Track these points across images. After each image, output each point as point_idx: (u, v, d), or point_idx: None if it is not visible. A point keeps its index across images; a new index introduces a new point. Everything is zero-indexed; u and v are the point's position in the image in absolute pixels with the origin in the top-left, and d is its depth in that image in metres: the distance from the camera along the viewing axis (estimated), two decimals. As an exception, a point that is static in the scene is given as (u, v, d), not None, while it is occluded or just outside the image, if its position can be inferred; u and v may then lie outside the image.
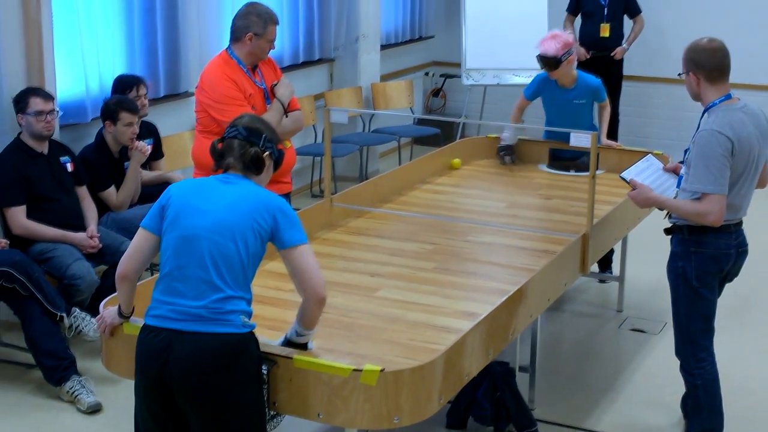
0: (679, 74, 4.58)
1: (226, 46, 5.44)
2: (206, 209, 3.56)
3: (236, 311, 3.51)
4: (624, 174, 4.81)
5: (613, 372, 5.81)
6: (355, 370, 3.48)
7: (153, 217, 3.66)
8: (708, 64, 4.46)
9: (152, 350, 3.52)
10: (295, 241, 3.59)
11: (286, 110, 5.44)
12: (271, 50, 5.46)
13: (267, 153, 3.70)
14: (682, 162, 4.75)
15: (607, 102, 6.75)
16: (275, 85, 5.48)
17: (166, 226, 3.60)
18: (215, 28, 7.80)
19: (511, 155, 6.75)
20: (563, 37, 6.44)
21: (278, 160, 3.78)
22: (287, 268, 3.62)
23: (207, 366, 3.45)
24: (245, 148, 3.66)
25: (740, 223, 4.59)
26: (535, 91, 6.70)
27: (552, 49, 6.35)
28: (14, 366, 5.70)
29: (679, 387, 4.95)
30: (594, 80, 6.67)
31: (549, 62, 6.40)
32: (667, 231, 4.71)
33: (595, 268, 6.89)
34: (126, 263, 3.69)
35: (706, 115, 4.53)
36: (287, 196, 5.61)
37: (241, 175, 3.66)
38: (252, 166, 3.67)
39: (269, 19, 5.38)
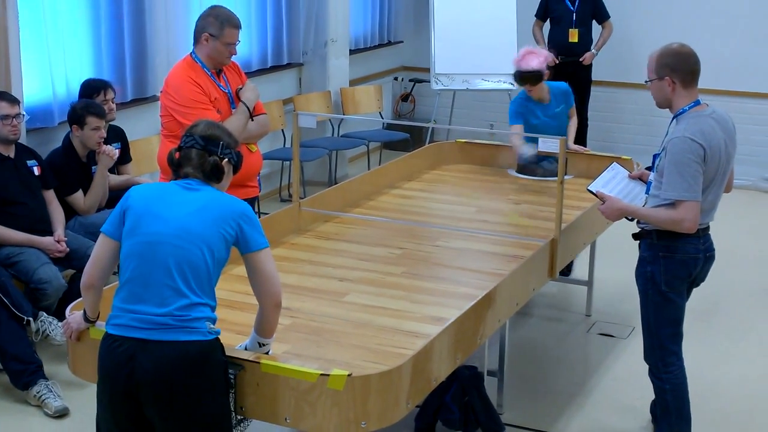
0: (648, 81, 4.56)
1: (191, 51, 5.42)
2: (169, 216, 3.53)
3: (201, 318, 3.50)
4: (590, 186, 4.82)
5: (582, 376, 5.83)
6: (322, 374, 3.48)
7: (114, 223, 3.62)
8: (684, 68, 4.48)
9: (117, 360, 3.49)
10: (260, 245, 3.59)
11: (252, 114, 5.41)
12: (234, 55, 5.38)
13: (226, 160, 3.69)
14: (649, 168, 4.77)
15: (574, 108, 6.79)
16: (240, 89, 5.45)
17: (126, 231, 3.57)
18: (183, 32, 7.76)
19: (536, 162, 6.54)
20: (539, 50, 6.51)
21: (237, 164, 3.76)
22: (249, 271, 3.62)
23: (173, 375, 3.43)
24: (204, 158, 3.64)
25: (708, 228, 4.62)
26: (516, 113, 6.61)
27: (535, 62, 6.38)
28: (-20, 371, 5.67)
29: (647, 391, 4.97)
30: (563, 85, 6.73)
31: (534, 76, 6.40)
32: (635, 236, 4.72)
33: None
34: (90, 271, 3.67)
35: (675, 121, 4.54)
36: (254, 200, 5.60)
37: (203, 182, 3.65)
38: (212, 176, 3.66)
39: (227, 21, 5.30)
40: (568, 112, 6.71)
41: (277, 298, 3.62)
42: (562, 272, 6.96)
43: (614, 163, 5.14)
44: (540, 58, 6.41)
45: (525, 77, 6.43)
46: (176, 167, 3.68)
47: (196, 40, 5.35)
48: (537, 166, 6.64)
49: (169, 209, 3.55)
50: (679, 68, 4.48)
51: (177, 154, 3.68)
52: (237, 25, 5.35)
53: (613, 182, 4.90)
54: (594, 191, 4.77)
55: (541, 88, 6.53)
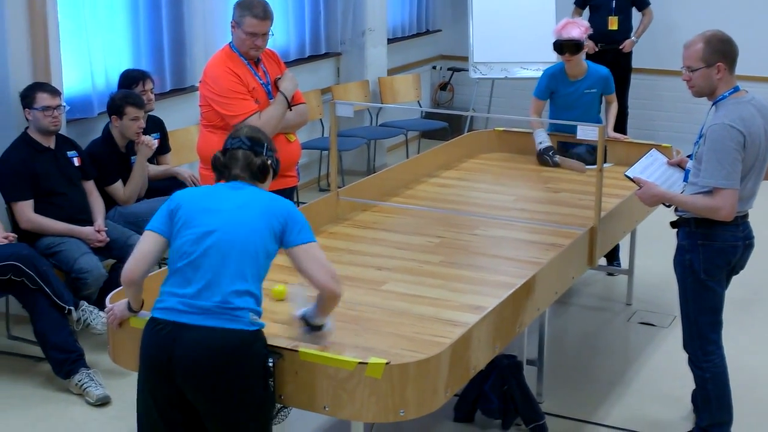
0: (692, 70, 4.50)
1: (230, 40, 5.42)
2: (220, 209, 3.61)
3: (245, 308, 3.52)
4: (628, 172, 4.79)
5: (622, 365, 5.80)
6: (360, 363, 3.48)
7: (160, 220, 3.68)
8: (733, 54, 4.45)
9: (159, 343, 3.53)
10: (307, 239, 3.66)
11: (290, 103, 5.41)
12: (261, 48, 5.34)
13: (269, 161, 3.78)
14: (690, 156, 4.73)
15: (614, 96, 6.75)
16: (279, 78, 5.45)
17: (178, 229, 3.62)
18: (220, 22, 7.78)
19: (556, 154, 6.59)
20: (581, 21, 6.57)
21: (277, 167, 3.86)
22: (299, 264, 3.66)
23: (211, 362, 3.46)
24: (251, 158, 3.72)
25: (746, 216, 4.57)
26: (545, 88, 6.65)
27: (576, 32, 6.43)
28: (24, 359, 5.72)
29: (688, 381, 4.93)
30: (604, 69, 6.69)
31: (573, 46, 6.42)
32: (673, 224, 4.68)
33: (602, 261, 6.87)
34: (132, 267, 3.69)
35: (714, 108, 4.50)
36: (293, 189, 5.60)
37: (248, 183, 3.72)
38: (259, 174, 3.74)
39: (247, 9, 5.24)
40: (600, 96, 6.67)
41: (328, 286, 3.64)
42: (609, 261, 6.94)
43: (653, 149, 5.10)
44: (581, 29, 6.45)
45: (564, 46, 6.45)
46: (223, 168, 3.75)
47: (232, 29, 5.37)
48: (571, 154, 6.59)
49: (220, 203, 3.63)
50: (729, 54, 4.44)
51: (223, 156, 3.75)
52: (258, 15, 5.24)
53: (651, 168, 4.87)
54: (631, 177, 4.74)
55: (579, 62, 6.52)
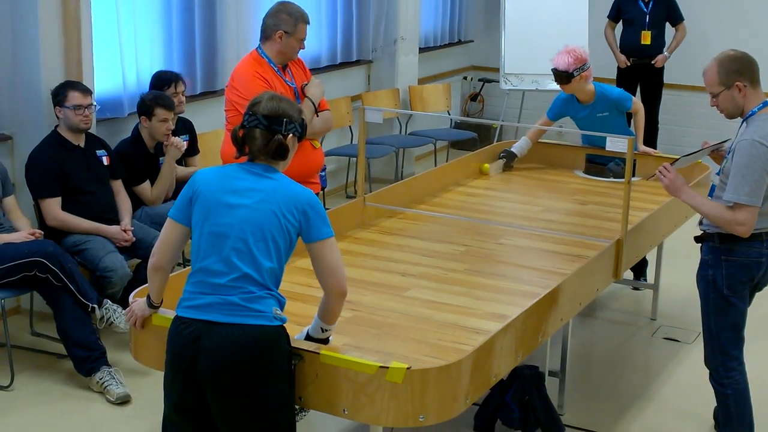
0: (715, 96, 4.49)
1: (257, 46, 5.45)
2: (236, 204, 3.55)
3: (268, 302, 3.51)
4: (678, 162, 4.74)
5: (645, 380, 5.76)
6: (381, 367, 3.47)
7: (181, 208, 3.65)
8: (750, 69, 4.43)
9: (183, 343, 3.51)
10: (323, 234, 3.58)
11: (317, 110, 5.45)
12: (302, 50, 5.47)
13: (290, 135, 3.65)
14: (717, 174, 4.70)
15: (638, 108, 6.63)
16: (305, 85, 5.49)
17: (196, 220, 3.60)
18: (253, 26, 7.81)
19: (508, 161, 6.69)
20: (577, 52, 6.32)
21: (302, 134, 3.72)
22: (312, 261, 3.60)
23: (237, 359, 3.44)
24: (268, 139, 3.60)
25: (772, 232, 4.54)
26: (558, 112, 6.63)
27: (563, 63, 6.27)
28: (46, 355, 5.75)
29: (710, 397, 4.88)
30: (613, 92, 6.54)
31: (560, 76, 6.33)
32: (697, 239, 4.65)
33: (629, 275, 6.84)
34: (158, 254, 3.69)
35: (744, 124, 4.48)
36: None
37: (267, 165, 3.64)
38: (278, 155, 3.63)
39: (300, 17, 5.38)
40: (622, 115, 6.58)
41: (341, 288, 3.60)
42: (637, 276, 6.91)
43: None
44: (570, 59, 6.26)
45: (554, 74, 6.39)
46: (241, 146, 3.66)
47: (267, 37, 5.38)
48: (604, 166, 6.59)
49: (236, 199, 3.56)
50: (745, 71, 4.42)
51: (241, 132, 3.65)
52: (308, 21, 5.44)
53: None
54: (676, 162, 4.70)
55: (578, 89, 6.40)
